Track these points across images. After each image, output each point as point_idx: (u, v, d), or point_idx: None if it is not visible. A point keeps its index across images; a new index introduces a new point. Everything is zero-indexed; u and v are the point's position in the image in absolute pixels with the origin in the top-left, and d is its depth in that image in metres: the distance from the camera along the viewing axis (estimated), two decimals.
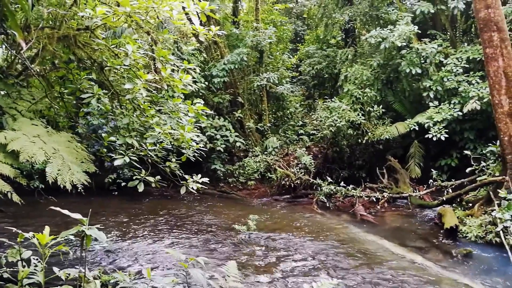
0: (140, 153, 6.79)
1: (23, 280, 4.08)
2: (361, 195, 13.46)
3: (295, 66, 24.19)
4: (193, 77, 7.21)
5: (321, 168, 16.67)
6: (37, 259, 4.42)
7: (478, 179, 11.70)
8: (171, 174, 7.10)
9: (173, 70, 6.70)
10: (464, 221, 10.42)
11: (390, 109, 17.07)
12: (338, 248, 9.22)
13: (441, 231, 10.44)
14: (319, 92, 23.74)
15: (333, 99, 16.91)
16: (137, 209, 12.93)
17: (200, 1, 6.16)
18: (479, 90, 14.07)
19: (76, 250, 7.75)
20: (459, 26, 17.50)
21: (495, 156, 11.86)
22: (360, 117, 15.90)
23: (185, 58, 16.37)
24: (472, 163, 12.18)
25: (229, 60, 17.56)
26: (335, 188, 13.92)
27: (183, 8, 6.38)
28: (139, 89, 6.27)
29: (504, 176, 10.48)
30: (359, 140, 16.12)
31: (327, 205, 13.91)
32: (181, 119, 6.98)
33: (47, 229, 4.13)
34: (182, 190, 6.76)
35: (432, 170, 13.55)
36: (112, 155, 6.58)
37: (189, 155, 7.03)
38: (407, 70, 15.66)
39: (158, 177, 6.78)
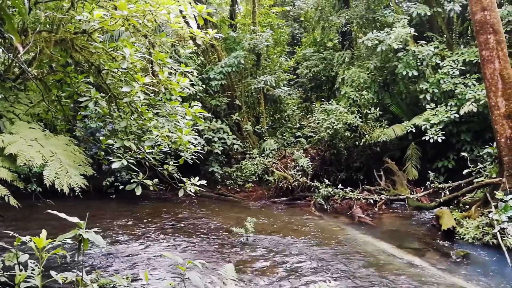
0: (138, 156, 6.79)
1: (20, 283, 4.08)
2: (358, 197, 13.47)
3: (292, 68, 24.22)
4: (191, 80, 7.22)
5: (318, 171, 16.69)
6: (34, 263, 4.42)
7: (475, 181, 11.73)
8: (169, 177, 7.11)
9: (170, 73, 6.70)
10: (461, 223, 10.44)
11: (387, 111, 17.12)
12: (336, 250, 9.23)
13: (439, 233, 10.45)
14: (316, 94, 23.77)
15: (330, 102, 16.94)
16: (135, 212, 12.92)
17: (197, 4, 6.17)
18: (475, 92, 14.13)
19: (73, 254, 7.74)
20: (455, 28, 17.57)
21: (492, 158, 11.90)
22: (357, 120, 15.94)
23: (183, 61, 16.39)
24: (469, 165, 12.21)
25: (226, 63, 17.60)
26: (332, 190, 13.93)
27: (181, 11, 6.39)
28: (137, 92, 6.27)
29: (501, 178, 10.50)
30: (357, 143, 16.16)
31: (325, 207, 13.91)
32: (178, 122, 6.99)
33: (44, 232, 4.13)
34: (180, 193, 6.76)
35: (429, 172, 13.59)
36: (110, 158, 6.59)
37: (186, 157, 7.04)
38: (404, 73, 15.71)
39: (156, 180, 6.78)
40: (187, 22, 15.56)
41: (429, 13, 16.43)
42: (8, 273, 4.39)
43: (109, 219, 11.93)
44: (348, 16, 19.54)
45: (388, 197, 13.64)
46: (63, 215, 3.83)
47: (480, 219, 10.11)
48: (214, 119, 17.29)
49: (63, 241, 4.06)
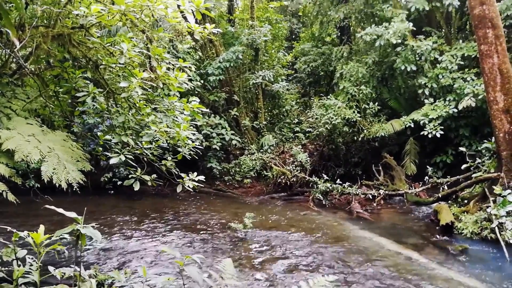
0: (136, 151, 6.78)
1: (18, 279, 4.07)
2: (357, 192, 13.47)
3: (290, 64, 24.21)
4: (189, 76, 7.20)
5: (317, 166, 16.70)
6: (32, 258, 4.40)
7: (473, 175, 11.73)
8: (167, 173, 7.10)
9: (168, 69, 6.68)
10: (459, 218, 10.45)
11: (385, 106, 17.12)
12: (334, 245, 9.24)
13: (437, 227, 10.46)
14: (314, 89, 23.77)
15: (328, 97, 16.92)
16: (133, 208, 12.92)
17: None
18: (474, 87, 14.11)
19: (71, 249, 7.73)
20: (454, 23, 17.54)
21: (490, 152, 11.90)
22: (355, 115, 15.93)
23: (181, 56, 16.37)
24: (468, 159, 12.21)
25: (224, 58, 17.57)
26: (331, 185, 13.93)
27: (178, 6, 6.36)
28: (135, 87, 6.26)
29: (499, 173, 10.51)
30: (355, 138, 16.16)
31: (323, 202, 13.92)
32: (176, 117, 6.98)
33: (41, 228, 4.12)
34: (178, 189, 6.75)
35: (428, 167, 13.58)
36: (108, 154, 6.57)
37: (185, 153, 7.03)
38: (402, 67, 15.69)
39: (154, 175, 6.77)
40: (185, 17, 15.53)
41: (427, 8, 16.37)
42: (6, 268, 4.38)
43: (108, 214, 11.93)
44: (347, 11, 19.49)
45: (386, 192, 13.64)
46: (60, 210, 3.82)
47: (479, 214, 10.11)
48: (213, 115, 17.28)
49: (61, 236, 4.04)
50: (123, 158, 6.27)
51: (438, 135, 14.26)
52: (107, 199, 14.48)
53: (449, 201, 11.75)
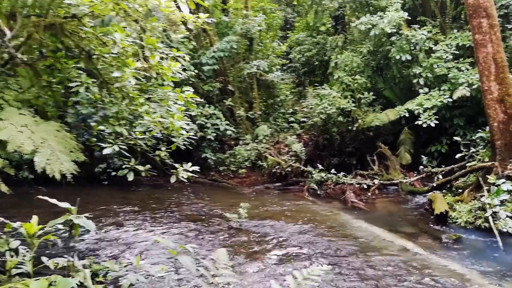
0: (130, 142, 6.76)
1: (12, 270, 4.06)
2: (352, 182, 13.51)
3: (285, 53, 24.11)
4: (183, 65, 7.17)
5: (312, 156, 16.71)
6: (25, 249, 4.39)
7: (467, 165, 11.79)
8: (161, 163, 7.08)
9: (162, 58, 6.65)
10: (454, 207, 10.50)
11: (380, 96, 17.11)
12: (329, 235, 9.26)
13: (431, 217, 10.52)
14: (309, 79, 23.70)
15: (323, 86, 16.92)
16: (128, 199, 12.88)
17: None
18: (468, 77, 14.11)
19: (65, 240, 7.71)
20: (448, 12, 17.51)
21: (485, 142, 11.95)
22: (350, 104, 15.93)
23: (175, 46, 16.26)
24: (462, 149, 12.26)
25: (218, 48, 17.50)
26: (326, 175, 13.96)
27: None
28: (128, 77, 6.23)
29: (493, 162, 10.55)
30: (350, 127, 16.16)
31: (318, 192, 13.95)
32: (170, 107, 6.95)
33: (34, 218, 4.10)
34: (172, 179, 6.74)
35: (422, 156, 13.62)
36: (102, 144, 6.54)
37: (179, 143, 7.02)
38: (397, 57, 15.67)
39: (148, 166, 6.75)
40: (178, 7, 15.40)
41: None
42: None
43: (102, 205, 11.89)
44: (341, 0, 19.43)
45: (381, 181, 13.69)
46: (53, 201, 3.80)
47: (473, 203, 10.16)
48: (207, 105, 17.21)
49: (54, 227, 4.03)
50: (117, 149, 6.26)
51: (433, 125, 14.26)
52: (101, 190, 14.44)
53: (444, 191, 11.80)
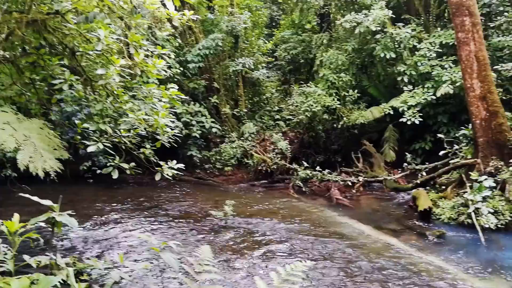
0: (114, 139, 6.72)
1: None
2: (336, 179, 13.58)
3: (270, 51, 24.11)
4: (168, 63, 7.15)
5: (297, 153, 16.77)
6: (7, 247, 4.35)
7: (451, 162, 11.92)
8: (146, 161, 7.06)
9: (147, 56, 6.62)
10: (437, 204, 10.61)
11: (365, 93, 17.19)
12: (314, 232, 9.31)
13: (415, 213, 10.62)
14: (295, 77, 23.72)
15: (308, 84, 16.95)
16: (113, 197, 12.81)
17: None
18: (452, 74, 14.24)
19: (48, 238, 7.66)
20: (432, 11, 17.66)
21: (468, 139, 12.07)
22: (335, 102, 15.99)
23: (160, 43, 16.18)
24: (446, 146, 12.37)
25: (204, 45, 17.46)
26: (311, 172, 14.01)
27: None
28: (112, 75, 6.19)
29: (476, 159, 10.69)
30: (335, 125, 16.24)
31: (303, 189, 14.00)
32: (155, 105, 6.92)
33: (16, 216, 4.07)
34: (157, 177, 6.73)
35: (407, 153, 13.72)
36: (86, 142, 6.50)
37: (164, 141, 6.99)
38: (382, 55, 15.76)
39: (133, 164, 6.73)
40: (163, 4, 15.30)
41: None
42: None
43: (87, 203, 11.83)
44: None
45: (365, 179, 13.78)
46: (35, 199, 3.78)
47: (456, 200, 10.29)
48: (192, 102, 17.16)
49: (37, 225, 4.00)
50: (101, 146, 6.22)
51: (417, 122, 14.38)
52: (86, 188, 14.35)
53: (427, 187, 11.92)
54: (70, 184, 13.26)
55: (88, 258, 6.01)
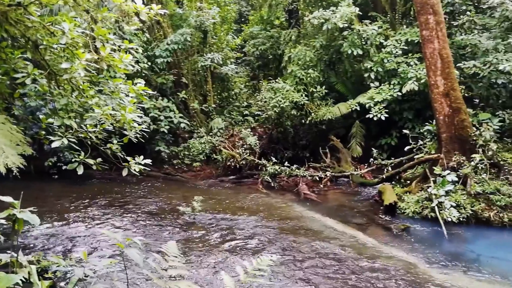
0: (80, 135, 6.62)
1: None
2: (304, 174, 13.70)
3: (239, 47, 24.12)
4: (135, 57, 7.08)
5: (266, 149, 16.83)
6: None
7: (415, 157, 12.17)
8: (113, 156, 6.97)
9: (113, 50, 6.53)
10: (402, 198, 10.83)
11: (332, 90, 17.34)
12: (281, 227, 9.38)
13: (381, 207, 10.82)
14: (263, 73, 23.80)
15: (277, 80, 17.01)
16: (79, 193, 12.62)
17: None
18: (417, 71, 14.48)
19: (9, 235, 7.51)
20: (398, 8, 17.91)
21: (432, 134, 12.35)
22: (303, 98, 16.10)
23: (127, 38, 15.99)
24: (411, 141, 12.60)
25: (172, 40, 17.33)
26: (279, 168, 14.10)
27: None
28: (77, 69, 6.08)
29: (439, 154, 10.94)
30: (303, 121, 16.34)
31: (272, 185, 14.07)
32: (122, 100, 6.84)
33: None
34: (124, 172, 6.65)
35: (373, 149, 13.91)
36: (51, 137, 6.38)
37: (131, 136, 6.91)
38: (349, 51, 15.92)
39: (100, 159, 6.63)
40: None
41: None
42: None
43: (52, 200, 11.64)
44: None
45: (333, 174, 13.94)
46: None
47: (420, 194, 10.52)
48: (160, 97, 17.02)
49: None
50: (66, 142, 6.12)
51: (383, 118, 14.58)
52: (51, 184, 14.09)
53: (393, 182, 12.15)
54: (35, 180, 13.03)
55: (52, 256, 5.92)
